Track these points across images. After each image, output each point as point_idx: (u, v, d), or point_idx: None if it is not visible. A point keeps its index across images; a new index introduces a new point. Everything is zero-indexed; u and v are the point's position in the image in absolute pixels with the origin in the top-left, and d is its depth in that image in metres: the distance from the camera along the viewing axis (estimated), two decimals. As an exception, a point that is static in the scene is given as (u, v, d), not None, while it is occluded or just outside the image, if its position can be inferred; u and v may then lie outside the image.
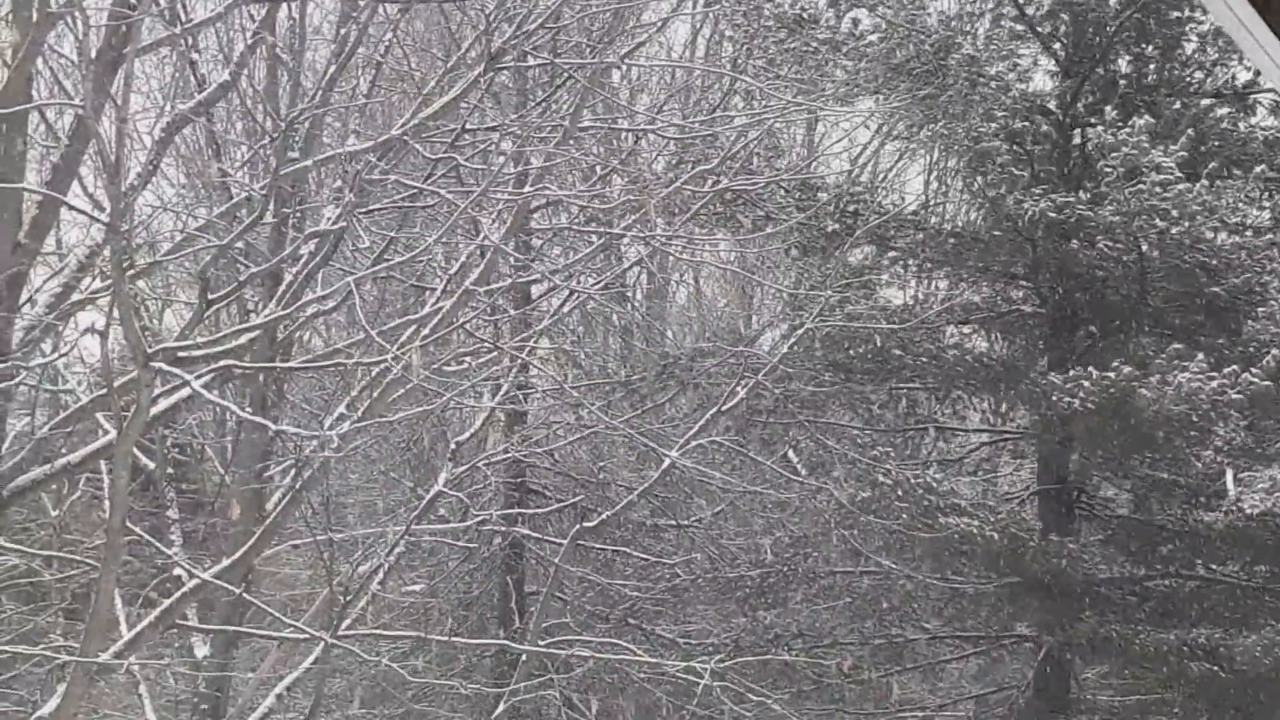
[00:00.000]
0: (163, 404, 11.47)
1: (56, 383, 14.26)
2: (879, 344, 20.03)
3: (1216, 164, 18.44)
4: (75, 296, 11.93)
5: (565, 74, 15.20)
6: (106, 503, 13.44)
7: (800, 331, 19.02)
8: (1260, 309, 18.31)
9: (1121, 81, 20.14)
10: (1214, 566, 20.59)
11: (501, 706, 16.89)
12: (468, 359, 16.90)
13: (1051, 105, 20.08)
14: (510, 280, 16.31)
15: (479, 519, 18.00)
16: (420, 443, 21.29)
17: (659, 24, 18.75)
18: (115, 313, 9.36)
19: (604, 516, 18.44)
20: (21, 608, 22.29)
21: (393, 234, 14.30)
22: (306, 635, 13.45)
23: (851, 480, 19.52)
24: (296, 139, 12.86)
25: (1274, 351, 17.57)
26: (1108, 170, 18.28)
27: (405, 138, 12.00)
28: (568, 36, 16.08)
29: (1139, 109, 18.99)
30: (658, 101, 23.58)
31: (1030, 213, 18.73)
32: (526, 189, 13.77)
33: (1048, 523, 20.30)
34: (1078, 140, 19.49)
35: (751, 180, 18.35)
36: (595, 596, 22.60)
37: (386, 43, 14.98)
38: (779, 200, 20.00)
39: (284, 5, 13.50)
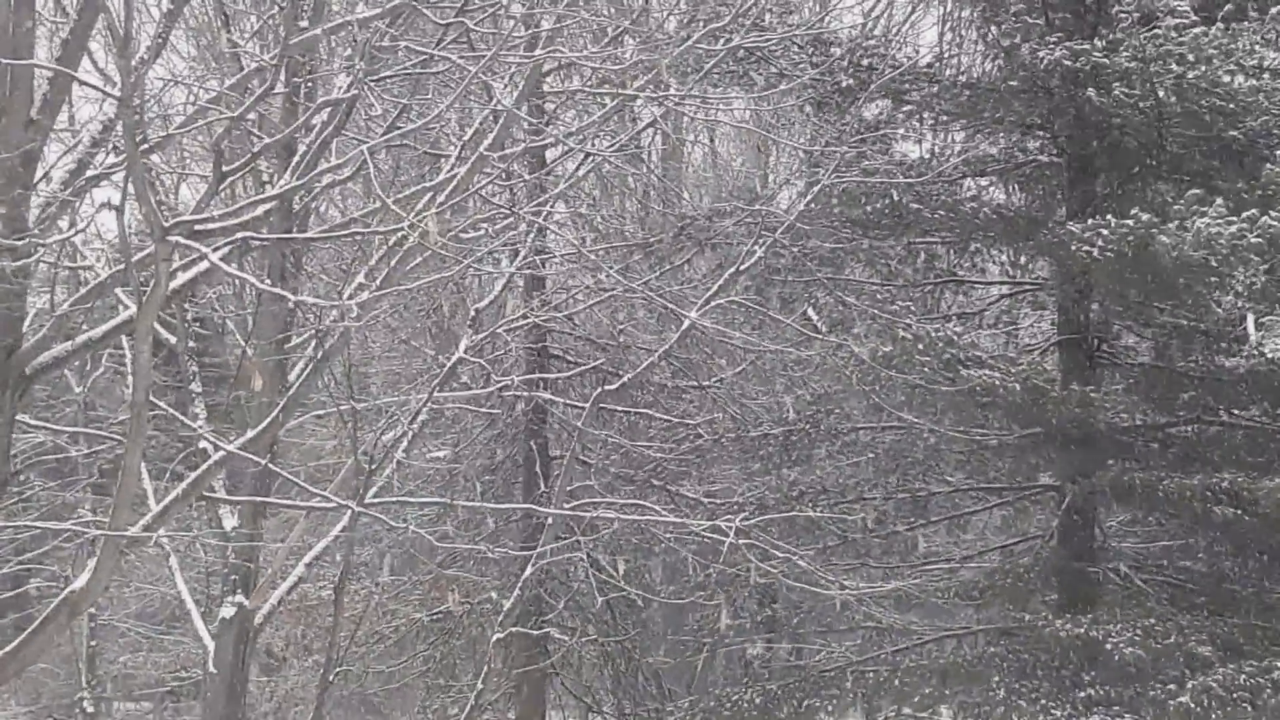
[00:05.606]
0: (182, 278, 11.47)
1: (75, 259, 14.29)
2: (896, 198, 19.97)
3: (1232, 6, 18.24)
4: (90, 172, 11.91)
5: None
6: (130, 378, 13.49)
7: (817, 188, 18.95)
8: (1278, 151, 18.16)
9: (1135, -76, 19.89)
10: (1236, 411, 20.58)
11: (529, 570, 17.03)
12: (485, 225, 16.90)
13: (1065, -49, 19.86)
14: (525, 145, 16.23)
15: (501, 385, 18.04)
16: (440, 310, 21.32)
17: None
18: (130, 187, 9.34)
19: (625, 379, 18.49)
20: (50, 484, 22.53)
21: (405, 101, 14.26)
22: (334, 504, 13.54)
23: (872, 336, 19.47)
24: (305, 7, 12.78)
25: (1293, 194, 17.47)
26: (1123, 16, 18.12)
27: (414, 3, 11.89)
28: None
29: (1153, -48, 18.76)
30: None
31: (1046, 61, 18.60)
32: (538, 52, 13.67)
33: (1069, 372, 20.29)
34: (1092, -14, 19.29)
35: (764, 37, 18.22)
36: (619, 459, 22.72)
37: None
38: (792, 57, 19.87)
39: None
